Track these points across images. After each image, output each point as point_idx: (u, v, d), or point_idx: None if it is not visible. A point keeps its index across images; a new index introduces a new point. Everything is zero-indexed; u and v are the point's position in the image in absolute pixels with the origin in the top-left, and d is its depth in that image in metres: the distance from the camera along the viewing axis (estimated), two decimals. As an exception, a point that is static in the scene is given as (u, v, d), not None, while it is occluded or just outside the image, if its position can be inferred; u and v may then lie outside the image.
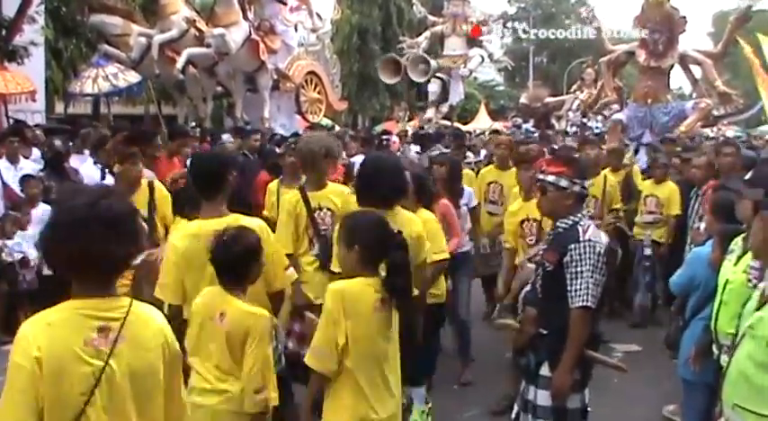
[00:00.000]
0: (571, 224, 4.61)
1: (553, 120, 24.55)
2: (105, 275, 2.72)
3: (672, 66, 20.48)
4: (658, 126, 19.17)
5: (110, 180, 10.08)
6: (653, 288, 9.90)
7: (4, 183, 9.64)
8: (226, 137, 13.06)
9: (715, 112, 20.70)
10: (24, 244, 9.00)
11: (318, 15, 21.60)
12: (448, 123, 23.11)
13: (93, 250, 2.61)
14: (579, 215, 4.66)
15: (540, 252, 4.92)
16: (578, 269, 4.44)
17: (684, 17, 20.01)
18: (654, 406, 6.93)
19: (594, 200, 8.88)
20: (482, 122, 33.38)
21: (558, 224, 4.70)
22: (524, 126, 22.44)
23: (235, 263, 4.20)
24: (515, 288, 5.81)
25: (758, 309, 3.13)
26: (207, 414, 4.08)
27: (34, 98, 17.08)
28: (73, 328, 2.63)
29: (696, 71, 21.12)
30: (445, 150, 11.64)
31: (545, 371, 4.54)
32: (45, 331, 2.61)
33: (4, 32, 17.71)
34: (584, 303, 4.40)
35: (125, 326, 2.68)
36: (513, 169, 9.29)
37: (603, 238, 4.65)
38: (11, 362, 2.59)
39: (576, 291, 4.44)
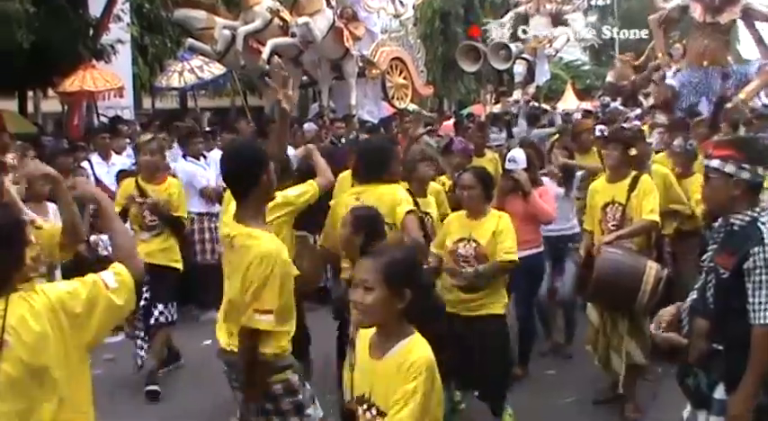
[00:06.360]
0: (749, 220, 3.82)
1: (641, 98, 23.79)
2: None
3: (733, 22, 17.90)
4: (716, 94, 16.26)
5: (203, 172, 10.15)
6: None
7: (97, 179, 9.72)
8: (307, 126, 13.00)
9: None
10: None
11: (400, 1, 21.44)
12: (536, 105, 22.73)
13: None
14: (758, 209, 3.85)
15: (709, 254, 4.07)
16: (763, 278, 3.67)
17: None
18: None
19: None
20: (569, 103, 32.81)
21: (731, 220, 3.89)
22: (612, 104, 21.86)
23: None
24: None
25: None
26: None
27: (122, 94, 17.36)
28: None
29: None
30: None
31: (720, 393, 3.83)
32: None
33: (91, 32, 18.04)
34: None
35: (6, 330, 2.78)
36: (593, 151, 8.97)
37: None
38: None
39: (759, 303, 3.68)
